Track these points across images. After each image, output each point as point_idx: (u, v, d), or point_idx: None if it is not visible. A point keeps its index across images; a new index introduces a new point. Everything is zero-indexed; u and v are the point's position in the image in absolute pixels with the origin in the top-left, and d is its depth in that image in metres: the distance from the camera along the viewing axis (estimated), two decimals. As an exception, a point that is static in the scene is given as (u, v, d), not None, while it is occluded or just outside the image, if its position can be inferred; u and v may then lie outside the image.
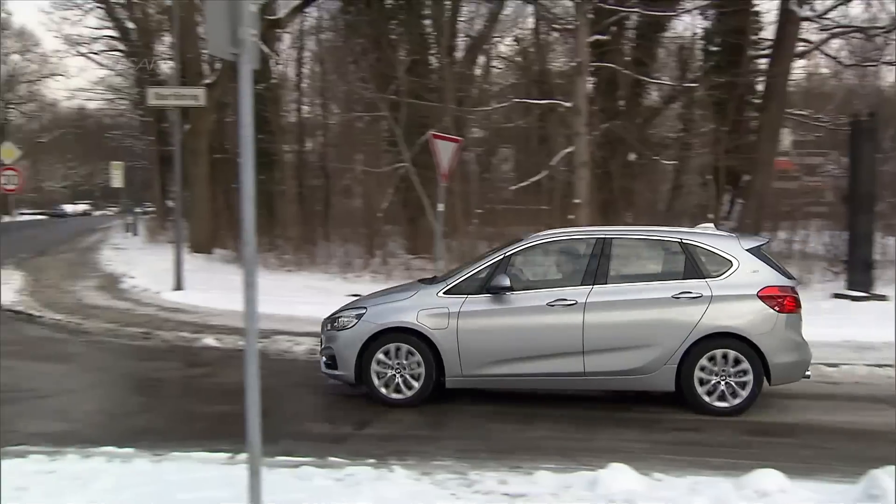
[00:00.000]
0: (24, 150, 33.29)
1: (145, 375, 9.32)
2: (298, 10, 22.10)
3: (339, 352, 7.80)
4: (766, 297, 7.26)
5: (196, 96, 15.14)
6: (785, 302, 7.29)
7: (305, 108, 29.10)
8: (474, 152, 21.41)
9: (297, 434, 6.63)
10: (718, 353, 7.22)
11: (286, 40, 25.60)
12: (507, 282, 7.53)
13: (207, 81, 21.03)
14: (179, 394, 8.59)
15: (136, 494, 4.90)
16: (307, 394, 8.38)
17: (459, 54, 22.37)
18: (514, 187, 19.51)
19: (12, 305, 14.32)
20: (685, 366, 7.22)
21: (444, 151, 13.37)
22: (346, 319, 7.90)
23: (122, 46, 37.41)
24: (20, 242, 25.58)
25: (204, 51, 22.51)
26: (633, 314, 7.34)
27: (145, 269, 19.59)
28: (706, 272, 7.41)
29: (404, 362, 7.65)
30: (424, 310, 7.65)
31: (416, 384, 7.62)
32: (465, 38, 22.92)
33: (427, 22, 21.75)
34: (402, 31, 21.45)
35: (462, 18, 22.47)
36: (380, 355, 7.65)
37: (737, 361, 7.21)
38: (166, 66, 35.80)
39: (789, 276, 7.66)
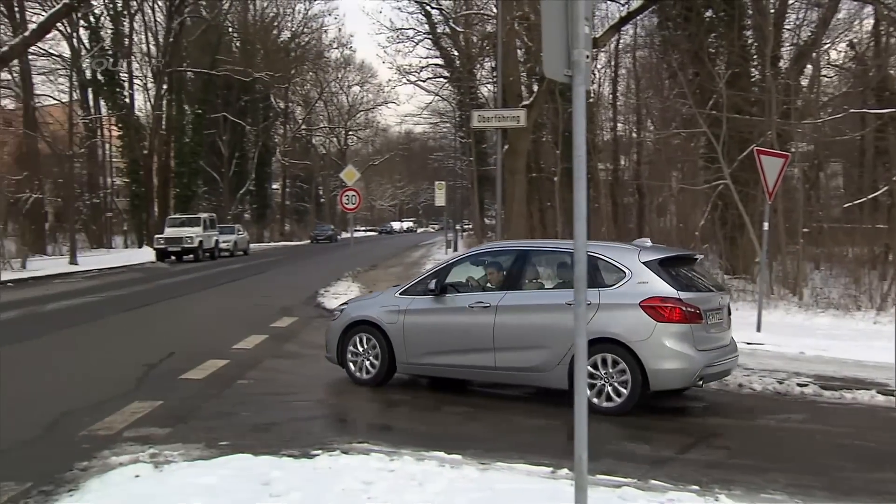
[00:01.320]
0: (361, 172, 36.51)
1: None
2: (615, 28, 22.14)
3: (327, 338, 9.64)
4: (647, 306, 7.67)
5: (518, 117, 15.69)
6: (665, 312, 7.64)
7: (620, 125, 29.06)
8: (800, 167, 20.01)
9: (618, 454, 6.57)
10: (602, 357, 7.73)
11: (601, 59, 25.73)
12: (432, 285, 8.80)
13: (525, 103, 21.70)
14: (499, 406, 8.84)
15: (469, 500, 5.12)
16: (624, 415, 8.27)
17: (784, 64, 21.08)
18: (846, 205, 17.97)
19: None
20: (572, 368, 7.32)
21: (770, 168, 12.65)
22: (336, 312, 9.84)
23: (446, 73, 39.80)
24: (356, 256, 28.10)
25: (523, 74, 23.31)
26: (533, 318, 8.19)
27: (465, 283, 20.52)
28: (600, 282, 7.92)
29: (367, 349, 9.19)
30: (384, 307, 9.21)
31: (376, 367, 9.11)
32: (790, 47, 21.56)
33: (748, 33, 20.78)
34: (721, 43, 20.69)
35: (788, 26, 21.18)
36: (352, 342, 9.28)
37: (617, 365, 7.71)
38: (485, 90, 37.58)
39: (691, 289, 7.97)
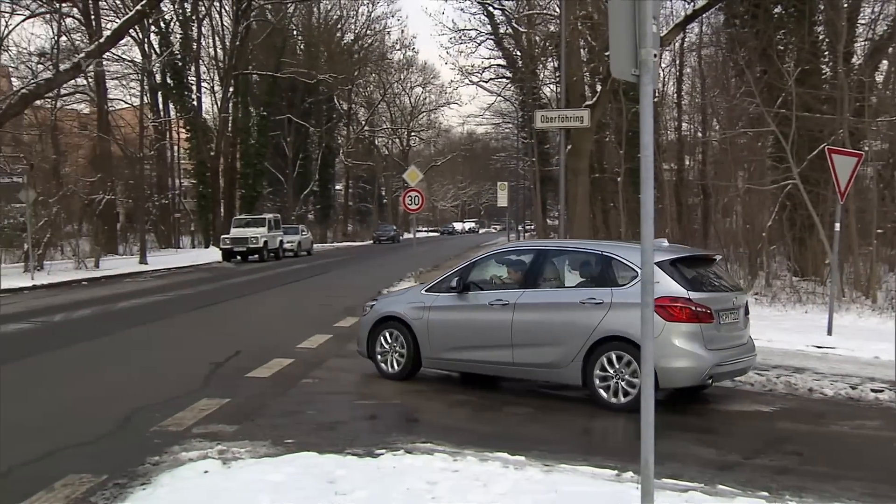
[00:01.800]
0: (424, 173, 36.66)
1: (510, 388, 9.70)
2: (680, 27, 21.81)
3: (359, 333, 10.05)
4: (657, 306, 7.08)
5: (581, 118, 15.58)
6: (674, 312, 7.79)
7: (685, 125, 28.63)
8: (874, 167, 19.42)
9: (684, 457, 6.47)
10: (614, 354, 7.96)
11: (665, 58, 25.38)
12: (455, 283, 9.17)
13: (589, 103, 21.53)
14: (560, 407, 8.79)
15: (533, 502, 5.09)
16: (689, 416, 8.16)
17: (857, 60, 20.49)
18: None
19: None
20: (588, 363, 8.08)
21: (842, 167, 12.32)
22: (366, 307, 10.11)
23: (508, 73, 39.70)
24: (419, 256, 28.21)
25: (586, 73, 23.12)
26: (549, 315, 8.42)
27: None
28: (613, 281, 8.22)
29: (395, 344, 9.55)
30: (410, 303, 9.57)
31: (402, 362, 9.48)
32: (864, 42, 20.95)
33: (820, 28, 20.25)
34: (791, 39, 20.21)
35: (862, 21, 20.59)
36: (381, 337, 9.65)
37: (629, 363, 7.85)
38: (548, 90, 37.38)
39: (703, 289, 8.11)
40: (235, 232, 37.50)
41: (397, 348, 9.54)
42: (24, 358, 11.28)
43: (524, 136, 49.83)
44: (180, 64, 48.08)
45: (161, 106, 51.83)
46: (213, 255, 39.25)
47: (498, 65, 39.30)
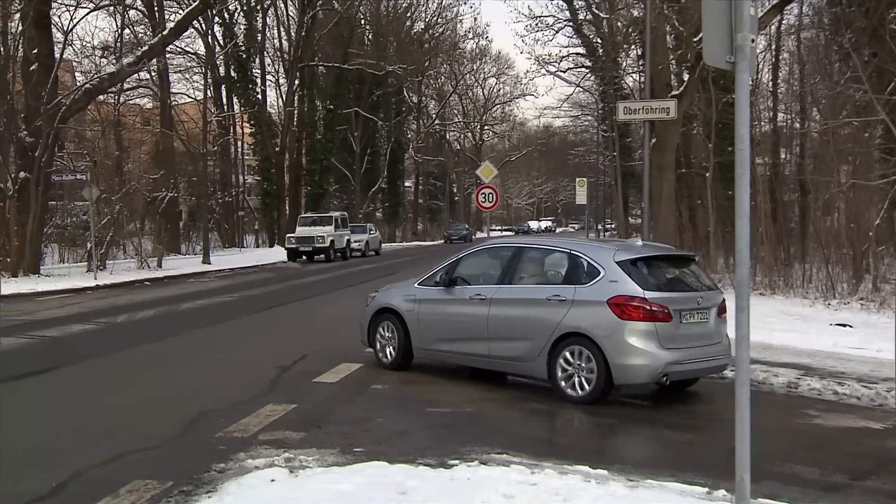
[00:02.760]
0: (498, 168, 36.64)
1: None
2: (778, 8, 21.28)
3: (361, 323, 11.17)
4: (612, 304, 8.46)
5: (667, 109, 15.37)
6: (629, 310, 8.40)
7: (781, 115, 27.97)
8: None
9: (782, 476, 6.32)
10: (576, 349, 8.71)
11: (760, 42, 24.81)
12: (441, 277, 10.22)
13: (675, 93, 21.21)
14: (644, 417, 8.68)
15: (616, 518, 5.05)
16: (788, 432, 7.97)
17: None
18: None
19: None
20: (552, 358, 8.86)
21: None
22: (369, 298, 11.28)
23: (588, 62, 39.37)
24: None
25: (673, 61, 22.77)
26: (520, 311, 9.27)
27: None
28: (577, 279, 8.97)
29: (389, 335, 10.69)
30: (404, 296, 10.68)
31: (395, 353, 10.63)
32: None
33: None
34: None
35: None
36: (379, 328, 10.81)
37: (588, 359, 8.61)
38: (630, 80, 36.96)
39: (664, 289, 8.68)
40: (301, 231, 38.06)
41: (392, 340, 10.68)
42: (88, 359, 11.68)
43: (604, 130, 49.40)
44: (244, 56, 49.04)
45: (225, 100, 52.94)
46: (277, 254, 39.93)
47: (577, 53, 39.00)
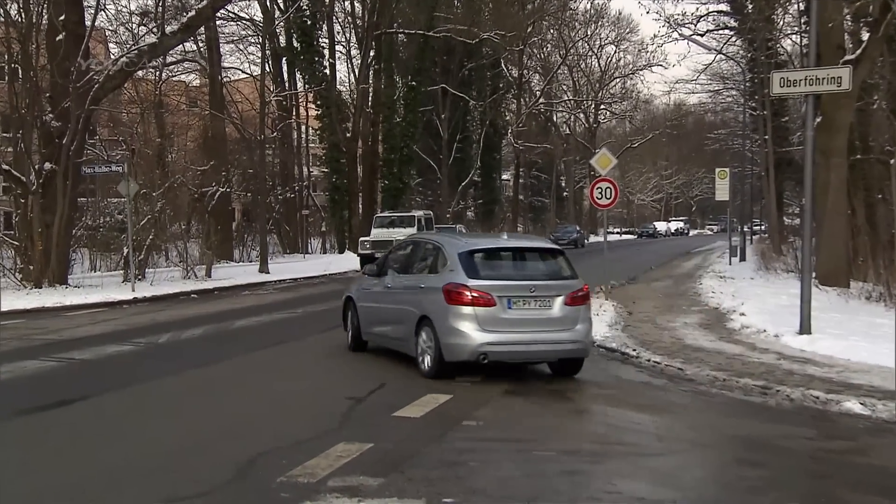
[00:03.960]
0: (617, 157, 36.25)
1: (765, 441, 9.37)
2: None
3: (342, 310, 15.41)
4: (444, 290, 11.89)
5: (839, 78, 14.87)
6: (454, 296, 11.75)
7: None
8: None
9: None
10: (426, 330, 12.16)
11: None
12: (362, 270, 14.26)
13: (850, 58, 20.56)
14: (815, 472, 8.46)
15: None
16: None
17: None
18: None
19: (605, 341, 15.71)
20: (416, 338, 12.39)
21: None
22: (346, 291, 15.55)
23: (733, 22, 38.70)
24: (610, 266, 27.83)
25: (847, 18, 22.06)
26: (403, 297, 13.05)
27: (758, 304, 19.94)
28: (434, 269, 12.61)
29: (350, 321, 14.89)
30: (358, 286, 15.06)
31: (351, 337, 14.88)
32: None
33: None
34: None
35: None
36: (348, 314, 15.04)
37: (432, 338, 11.99)
38: (789, 43, 36.17)
39: (493, 279, 11.98)
40: (377, 233, 38.34)
41: (351, 324, 14.85)
42: (126, 386, 11.95)
43: (753, 107, 48.43)
44: (309, 23, 49.56)
45: (286, 76, 53.82)
46: (349, 261, 40.33)
47: (718, 12, 38.42)
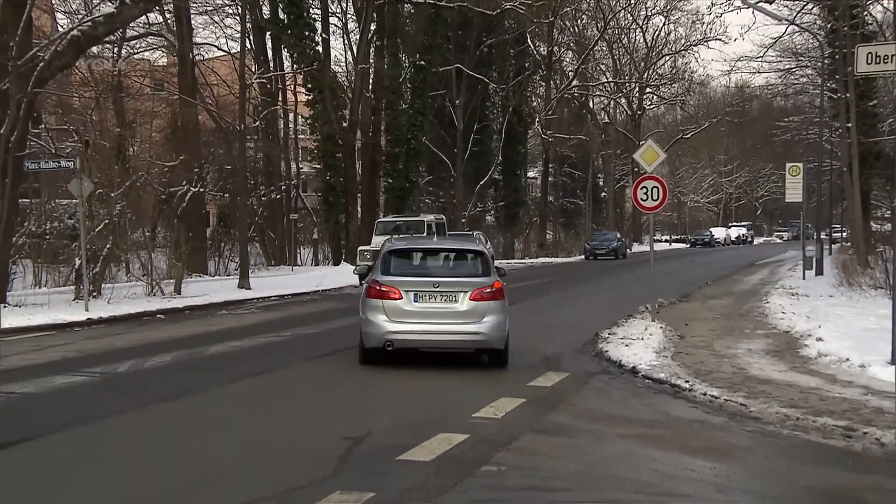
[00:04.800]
0: (665, 150, 36.19)
1: (849, 495, 9.33)
2: None
3: None
4: (367, 285, 16.68)
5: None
6: (370, 291, 16.09)
7: None
8: None
9: None
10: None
11: None
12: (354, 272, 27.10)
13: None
14: None
15: None
16: None
17: None
18: None
19: (651, 371, 15.64)
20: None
21: None
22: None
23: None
24: (658, 280, 27.72)
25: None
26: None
27: (839, 327, 19.86)
28: (375, 268, 17.13)
29: None
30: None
31: None
32: None
33: None
34: None
35: None
36: None
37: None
38: (878, 10, 36.01)
39: (402, 275, 16.19)
40: (379, 241, 38.20)
41: None
42: (78, 425, 11.89)
43: (832, 89, 48.25)
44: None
45: (271, 54, 53.89)
46: (345, 275, 40.25)
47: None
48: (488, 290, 15.92)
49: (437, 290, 15.85)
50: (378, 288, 15.91)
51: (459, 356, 16.51)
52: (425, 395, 13.83)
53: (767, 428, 12.04)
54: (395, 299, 15.71)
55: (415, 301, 15.76)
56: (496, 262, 20.10)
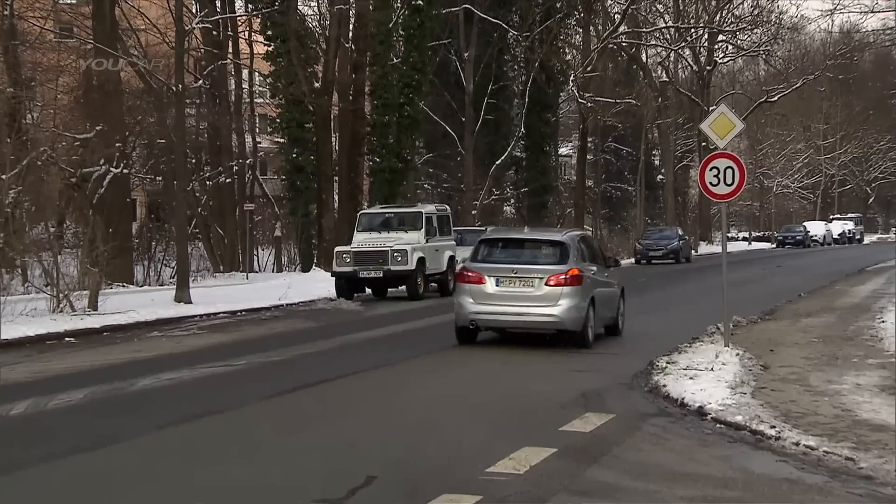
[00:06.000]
0: (743, 119, 36.21)
1: None
2: None
3: None
4: (458, 271, 29.55)
5: None
6: (460, 276, 25.30)
7: None
8: None
9: None
10: None
11: None
12: None
13: None
14: None
15: None
16: None
17: None
18: None
19: (724, 412, 15.56)
20: None
21: None
22: None
23: None
24: (732, 292, 27.74)
25: None
26: None
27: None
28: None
29: None
30: None
31: None
32: None
33: None
34: None
35: None
36: None
37: None
38: None
39: (487, 262, 23.71)
40: (363, 240, 38.26)
41: None
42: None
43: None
44: None
45: (218, -8, 53.96)
46: (318, 284, 40.45)
47: None
48: (563, 277, 22.55)
49: (516, 275, 22.95)
50: (467, 273, 23.55)
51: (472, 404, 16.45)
52: (428, 441, 13.82)
53: (884, 491, 11.88)
54: (480, 283, 22.90)
55: (496, 285, 22.88)
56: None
